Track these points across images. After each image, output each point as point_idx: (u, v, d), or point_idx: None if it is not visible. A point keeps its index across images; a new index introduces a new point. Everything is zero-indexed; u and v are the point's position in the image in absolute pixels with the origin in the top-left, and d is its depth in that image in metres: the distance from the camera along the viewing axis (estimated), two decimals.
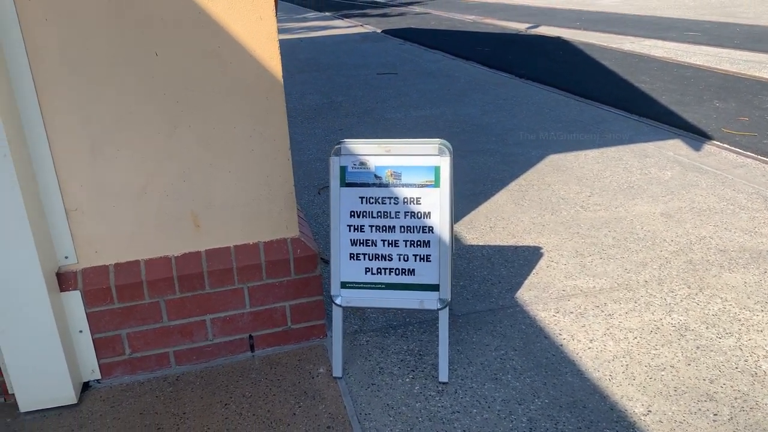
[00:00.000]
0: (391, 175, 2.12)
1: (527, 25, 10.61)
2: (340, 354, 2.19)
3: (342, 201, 2.15)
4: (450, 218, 2.11)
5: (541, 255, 3.02)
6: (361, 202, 2.14)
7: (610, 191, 3.72)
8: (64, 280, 2.12)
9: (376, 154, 2.12)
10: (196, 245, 2.23)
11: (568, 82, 6.57)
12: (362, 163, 2.13)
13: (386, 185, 2.12)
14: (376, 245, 2.15)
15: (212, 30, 2.00)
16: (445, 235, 2.11)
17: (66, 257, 2.13)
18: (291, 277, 2.31)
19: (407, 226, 2.13)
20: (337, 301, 2.17)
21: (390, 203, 2.13)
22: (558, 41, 9.07)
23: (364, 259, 2.15)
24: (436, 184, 2.10)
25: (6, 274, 1.94)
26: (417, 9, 14.08)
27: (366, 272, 2.16)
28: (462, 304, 2.63)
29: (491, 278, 2.83)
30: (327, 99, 6.28)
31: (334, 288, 2.18)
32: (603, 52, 8.09)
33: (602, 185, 3.81)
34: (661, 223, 3.28)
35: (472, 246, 3.14)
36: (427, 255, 2.12)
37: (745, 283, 2.69)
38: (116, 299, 2.18)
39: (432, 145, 2.08)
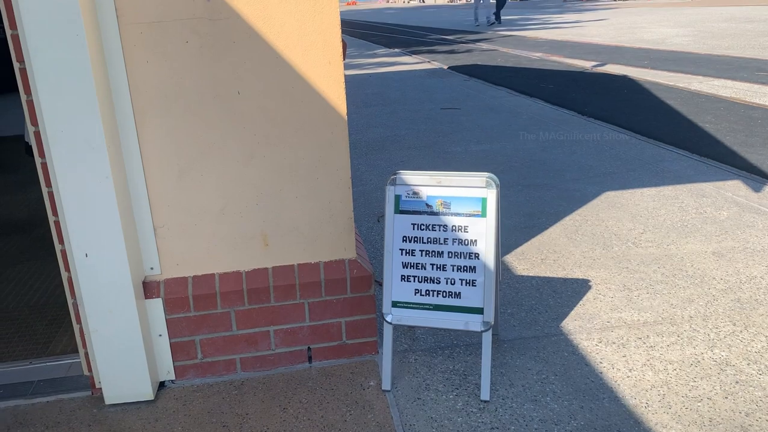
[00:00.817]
0: (442, 204, 2.31)
1: (593, 63, 10.67)
2: (389, 369, 2.38)
3: (396, 226, 2.35)
4: (495, 247, 2.28)
5: (589, 287, 3.12)
6: (413, 228, 2.34)
7: (663, 229, 3.78)
8: (148, 289, 2.40)
9: (428, 184, 2.32)
10: (264, 262, 2.48)
11: (631, 120, 6.61)
12: (415, 193, 2.33)
13: (436, 213, 2.32)
14: (425, 269, 2.33)
15: (287, 73, 2.27)
16: (490, 262, 2.27)
17: (151, 268, 2.41)
18: (347, 296, 2.52)
19: (455, 252, 2.31)
20: (388, 318, 2.36)
21: (439, 230, 2.32)
22: (623, 79, 9.10)
23: (414, 281, 2.34)
24: (483, 214, 2.28)
25: (100, 280, 2.23)
26: (484, 46, 14.33)
27: (415, 293, 2.35)
28: (509, 330, 2.77)
29: (538, 307, 2.96)
30: (391, 132, 6.55)
31: (386, 306, 2.37)
32: (668, 91, 8.08)
33: (655, 223, 3.88)
34: (711, 262, 3.33)
35: (522, 276, 3.28)
36: (472, 280, 2.29)
37: None
38: (192, 308, 2.44)
39: (480, 178, 2.27)
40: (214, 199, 2.38)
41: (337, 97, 2.33)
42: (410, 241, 2.35)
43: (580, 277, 3.23)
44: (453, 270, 2.31)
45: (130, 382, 2.38)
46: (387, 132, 6.56)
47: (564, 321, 2.83)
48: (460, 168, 5.15)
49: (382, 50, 14.62)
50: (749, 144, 5.56)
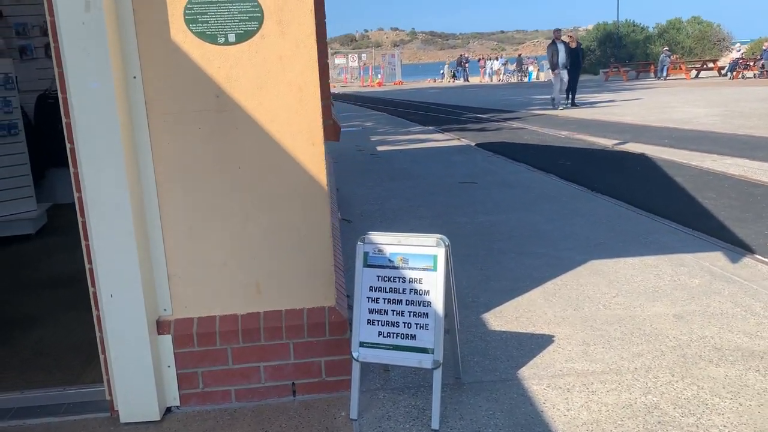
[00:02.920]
0: (401, 260, 2.78)
1: (615, 142, 11.10)
2: (356, 400, 2.80)
3: (364, 278, 2.83)
4: (445, 296, 2.72)
5: (551, 342, 3.49)
6: (378, 280, 2.81)
7: (635, 294, 4.13)
8: (161, 327, 2.91)
9: (391, 243, 2.80)
10: (257, 307, 2.97)
11: (635, 195, 6.98)
12: (380, 250, 2.81)
13: (397, 267, 2.78)
14: (387, 314, 2.78)
15: (278, 152, 2.83)
16: (440, 309, 2.71)
17: (165, 309, 2.93)
18: (326, 338, 2.98)
19: (411, 300, 2.76)
20: (355, 356, 2.80)
21: (399, 281, 2.78)
22: (640, 158, 9.49)
23: (378, 324, 2.79)
24: (434, 268, 2.74)
25: (122, 317, 2.75)
26: (515, 124, 14.95)
27: (379, 335, 2.79)
28: (470, 375, 3.16)
29: (502, 357, 3.34)
30: (407, 203, 7.07)
31: (354, 346, 2.82)
32: (680, 168, 8.43)
33: (629, 288, 4.22)
34: (670, 323, 3.66)
35: (494, 331, 3.67)
36: (425, 324, 2.73)
37: (726, 376, 3.03)
38: (196, 344, 2.93)
39: (432, 239, 2.75)
40: (218, 253, 2.91)
41: (318, 171, 2.87)
42: (375, 291, 2.82)
43: (547, 333, 3.60)
44: (410, 315, 2.76)
45: (142, 405, 2.86)
46: (404, 203, 7.09)
47: (521, 369, 3.20)
48: (462, 237, 5.60)
49: (417, 128, 15.40)
50: (741, 219, 5.86)
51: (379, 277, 2.81)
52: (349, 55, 50.45)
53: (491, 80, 43.66)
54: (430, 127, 15.19)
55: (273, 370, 2.99)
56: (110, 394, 2.95)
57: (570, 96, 18.92)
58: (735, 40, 39.65)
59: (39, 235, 6.13)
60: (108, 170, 2.62)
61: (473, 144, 11.86)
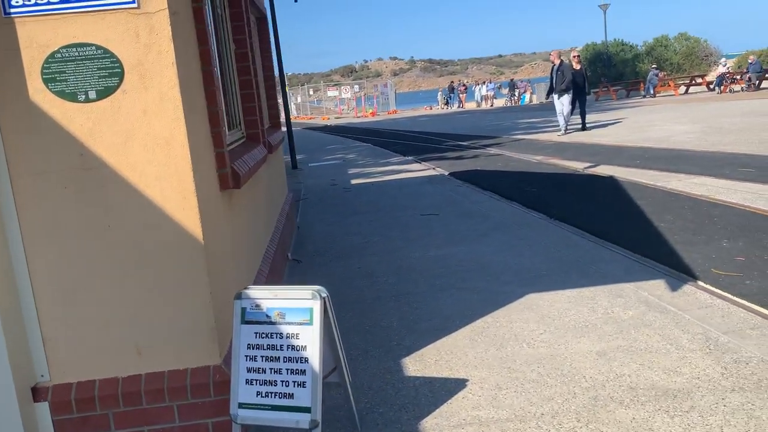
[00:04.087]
0: (278, 315, 2.68)
1: (587, 165, 11.02)
2: None
3: (242, 336, 2.72)
4: (321, 352, 2.61)
5: (464, 387, 3.36)
6: (256, 337, 2.71)
7: (563, 330, 4.00)
8: (37, 394, 2.80)
9: (268, 297, 2.70)
10: (138, 369, 2.86)
11: (593, 221, 6.88)
12: (257, 305, 2.71)
13: (274, 323, 2.68)
14: (265, 372, 2.67)
15: (149, 207, 2.75)
16: (317, 366, 2.60)
17: (42, 375, 2.82)
18: (212, 398, 2.86)
19: (288, 357, 2.65)
20: (236, 420, 2.68)
21: (276, 338, 2.67)
22: (607, 181, 9.40)
23: (256, 384, 2.68)
24: (311, 322, 2.63)
25: None
26: (493, 150, 14.90)
27: (257, 395, 2.67)
28: (371, 427, 3.04)
29: (408, 406, 3.21)
30: (363, 239, 6.98)
31: (233, 408, 2.70)
32: (644, 190, 8.33)
33: (559, 324, 4.10)
34: (590, 361, 3.53)
35: (409, 377, 3.55)
36: (303, 381, 2.62)
37: (633, 419, 2.90)
38: (75, 410, 2.82)
39: (307, 291, 2.65)
40: (95, 314, 2.81)
41: (193, 225, 2.79)
42: (253, 348, 2.71)
43: (462, 377, 3.48)
44: (287, 373, 2.64)
45: None
46: (359, 240, 6.99)
47: (424, 419, 3.07)
48: (410, 273, 5.50)
49: (396, 158, 15.37)
50: (692, 242, 5.73)
51: (256, 333, 2.71)
52: (342, 87, 50.85)
53: (487, 105, 43.82)
54: (409, 157, 15.15)
55: None
56: None
57: (579, 119, 17.46)
58: (722, 54, 39.76)
59: None
60: None
61: (447, 173, 11.80)
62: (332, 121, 41.71)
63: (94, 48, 2.63)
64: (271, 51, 7.37)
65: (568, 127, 17.11)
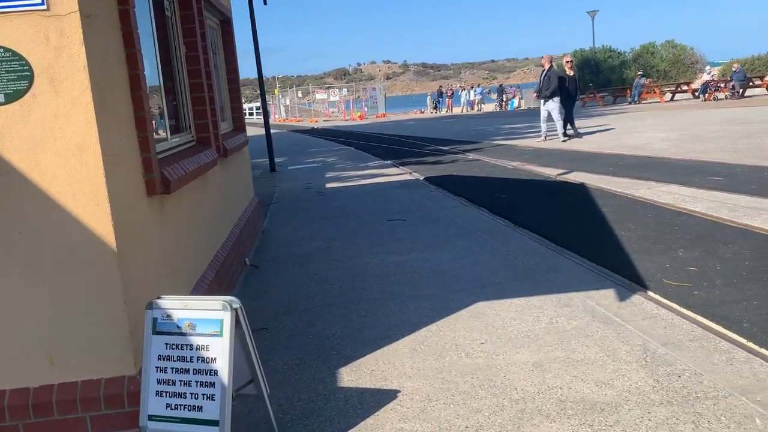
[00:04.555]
0: (189, 326, 2.62)
1: (560, 171, 11.01)
2: None
3: (153, 347, 2.66)
4: (230, 365, 2.55)
5: (394, 398, 3.31)
6: (166, 348, 2.64)
7: (505, 340, 3.96)
8: None
9: (179, 308, 2.64)
10: (50, 379, 2.79)
11: (557, 229, 6.85)
12: (168, 316, 2.65)
13: (185, 334, 2.62)
14: (175, 384, 2.61)
15: (61, 214, 2.68)
16: (226, 379, 2.54)
17: None
18: (125, 410, 2.80)
19: (198, 369, 2.59)
20: (144, 430, 2.62)
21: (187, 349, 2.61)
22: (577, 188, 9.39)
23: (166, 396, 2.62)
24: (221, 334, 2.57)
25: None
26: (471, 156, 14.88)
27: (167, 407, 2.61)
28: None
29: (335, 419, 3.16)
30: (326, 244, 6.92)
31: (143, 419, 2.64)
32: (612, 198, 8.32)
33: (502, 334, 4.06)
34: (525, 373, 3.49)
35: (341, 388, 3.49)
36: (212, 394, 2.55)
37: None
38: None
39: (217, 302, 2.59)
40: (5, 322, 2.74)
41: (106, 233, 2.72)
42: (164, 359, 2.65)
43: (395, 388, 3.42)
44: (197, 385, 2.58)
45: None
46: (322, 245, 6.93)
47: None
48: (363, 279, 5.44)
49: (375, 162, 15.32)
50: (650, 251, 5.71)
51: (167, 344, 2.65)
52: (330, 90, 50.79)
53: (475, 110, 43.85)
54: (388, 161, 15.12)
55: None
56: None
57: (566, 126, 16.83)
58: (708, 62, 39.99)
59: None
60: None
61: (422, 178, 11.76)
62: (320, 124, 41.65)
63: (2, 50, 2.57)
64: (236, 54, 7.32)
65: (567, 133, 16.70)
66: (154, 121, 4.30)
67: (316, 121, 46.32)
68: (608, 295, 4.62)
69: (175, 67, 4.83)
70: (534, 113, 17.21)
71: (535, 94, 17.03)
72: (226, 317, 2.58)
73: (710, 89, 30.73)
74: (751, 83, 30.87)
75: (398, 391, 3.39)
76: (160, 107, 4.29)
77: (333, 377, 3.64)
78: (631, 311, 4.27)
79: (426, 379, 3.50)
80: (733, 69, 30.62)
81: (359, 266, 5.93)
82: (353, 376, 3.63)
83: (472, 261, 5.81)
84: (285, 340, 4.26)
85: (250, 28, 14.63)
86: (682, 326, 3.97)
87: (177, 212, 3.91)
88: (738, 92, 29.38)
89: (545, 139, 16.70)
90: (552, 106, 16.28)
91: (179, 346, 2.63)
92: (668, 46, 43.25)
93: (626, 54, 44.56)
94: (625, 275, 5.09)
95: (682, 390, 3.17)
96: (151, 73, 4.15)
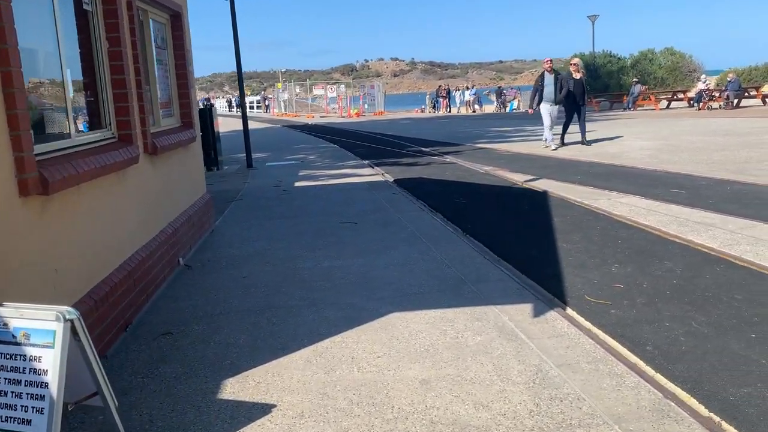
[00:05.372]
0: (24, 335, 2.53)
1: (529, 178, 10.90)
2: None
3: None
4: (59, 378, 2.46)
5: (268, 413, 3.22)
6: (1, 357, 2.55)
7: (403, 354, 3.87)
8: None
9: (15, 317, 2.55)
10: None
11: (501, 238, 6.77)
12: (5, 324, 2.56)
13: (19, 344, 2.53)
14: (7, 396, 2.52)
15: None
16: (56, 392, 2.44)
17: None
18: None
19: (30, 381, 2.49)
20: None
21: (20, 360, 2.52)
22: (539, 195, 9.28)
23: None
24: (53, 346, 2.48)
25: None
26: (449, 158, 14.77)
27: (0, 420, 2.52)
28: None
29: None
30: (269, 246, 6.83)
31: None
32: (568, 208, 8.21)
33: (403, 347, 3.96)
34: (410, 390, 3.39)
35: (219, 400, 3.40)
36: (41, 408, 2.46)
37: None
38: None
39: (50, 312, 2.49)
40: None
41: None
42: None
43: (272, 402, 3.33)
44: (27, 398, 2.49)
45: None
46: (265, 246, 6.84)
47: None
48: (290, 285, 5.35)
49: (353, 161, 15.23)
50: (584, 266, 5.62)
51: (2, 354, 2.55)
52: (327, 87, 50.63)
53: (468, 110, 43.69)
54: (366, 161, 15.02)
55: None
56: None
57: (564, 133, 15.87)
58: (705, 70, 39.78)
59: None
60: None
61: (392, 180, 11.67)
62: (315, 120, 41.55)
63: None
64: (186, 49, 7.21)
65: (565, 140, 15.69)
66: (70, 119, 4.22)
67: (313, 117, 46.19)
68: (524, 310, 4.52)
69: (97, 63, 4.73)
70: (536, 115, 16.75)
71: (540, 103, 15.22)
72: (59, 328, 2.48)
73: (704, 98, 30.59)
74: (746, 94, 30.71)
75: (274, 406, 3.29)
76: (67, 104, 4.18)
77: (216, 388, 3.55)
78: (540, 328, 4.17)
79: (307, 394, 3.41)
80: (728, 79, 30.48)
81: (291, 270, 5.83)
82: (237, 388, 3.54)
83: (406, 269, 5.71)
84: (185, 347, 4.16)
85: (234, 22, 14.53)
86: (586, 346, 3.87)
87: (70, 213, 3.81)
88: (732, 102, 29.24)
89: (558, 144, 15.53)
90: (548, 110, 15.17)
91: (13, 356, 2.53)
92: (667, 53, 43.05)
93: (626, 60, 44.38)
94: (550, 290, 5.00)
95: (558, 416, 3.07)
96: (53, 68, 4.06)
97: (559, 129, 15.91)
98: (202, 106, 15.25)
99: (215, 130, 14.95)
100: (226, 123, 26.05)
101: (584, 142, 15.91)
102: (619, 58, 45.01)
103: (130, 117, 4.96)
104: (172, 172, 6.37)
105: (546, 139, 15.61)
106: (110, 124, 4.88)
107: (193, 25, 7.83)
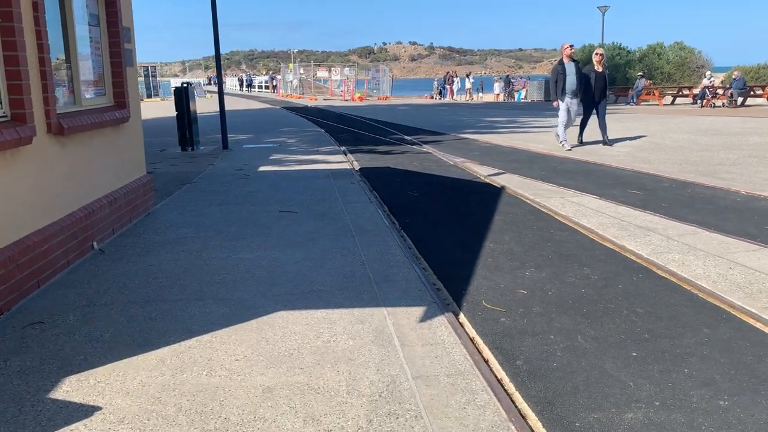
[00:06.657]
0: None
1: (493, 172, 10.63)
2: None
3: None
4: None
5: (87, 417, 3.06)
6: None
7: (264, 357, 3.68)
8: None
9: None
10: None
11: (432, 235, 6.57)
12: None
13: None
14: None
15: None
16: None
17: None
18: None
19: None
20: None
21: None
22: (494, 191, 9.05)
23: None
24: None
25: None
26: (426, 148, 14.51)
27: None
28: None
29: None
30: (194, 233, 6.65)
31: None
32: (516, 205, 7.98)
33: (267, 350, 3.78)
34: (248, 399, 3.21)
35: (47, 400, 3.24)
36: None
37: None
38: None
39: None
40: None
41: None
42: None
43: (98, 405, 3.17)
44: None
45: None
46: (190, 233, 6.67)
47: None
48: (189, 278, 5.17)
49: (328, 148, 15.00)
50: (500, 268, 5.40)
51: None
52: (332, 69, 50.25)
53: (466, 98, 43.28)
54: (342, 148, 14.80)
55: None
56: None
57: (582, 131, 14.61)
58: (713, 67, 39.11)
59: None
60: None
61: (357, 168, 11.46)
62: (317, 103, 41.33)
63: None
64: (120, 27, 6.99)
65: (583, 140, 14.43)
66: None
67: (315, 100, 45.94)
68: (414, 314, 4.32)
69: None
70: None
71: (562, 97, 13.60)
72: None
73: (708, 95, 30.06)
74: (751, 92, 30.14)
75: (99, 409, 3.12)
76: None
77: (53, 387, 3.38)
78: (419, 335, 3.98)
79: (140, 398, 3.23)
80: (733, 76, 29.92)
81: (201, 261, 5.65)
82: (73, 387, 3.37)
83: (319, 264, 5.52)
84: (47, 339, 4.00)
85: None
86: (455, 357, 3.67)
87: None
88: (735, 101, 28.72)
89: (575, 144, 14.18)
90: (567, 104, 13.67)
91: None
92: (676, 47, 42.36)
93: (634, 53, 43.72)
94: (453, 293, 4.80)
95: None
96: None
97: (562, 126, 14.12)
98: (178, 86, 15.09)
99: (192, 110, 14.78)
100: (232, 102, 25.92)
101: (606, 141, 14.37)
102: (627, 51, 44.35)
103: (23, 95, 4.77)
104: (92, 153, 6.18)
105: (559, 137, 14.00)
106: (1, 103, 4.69)
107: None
